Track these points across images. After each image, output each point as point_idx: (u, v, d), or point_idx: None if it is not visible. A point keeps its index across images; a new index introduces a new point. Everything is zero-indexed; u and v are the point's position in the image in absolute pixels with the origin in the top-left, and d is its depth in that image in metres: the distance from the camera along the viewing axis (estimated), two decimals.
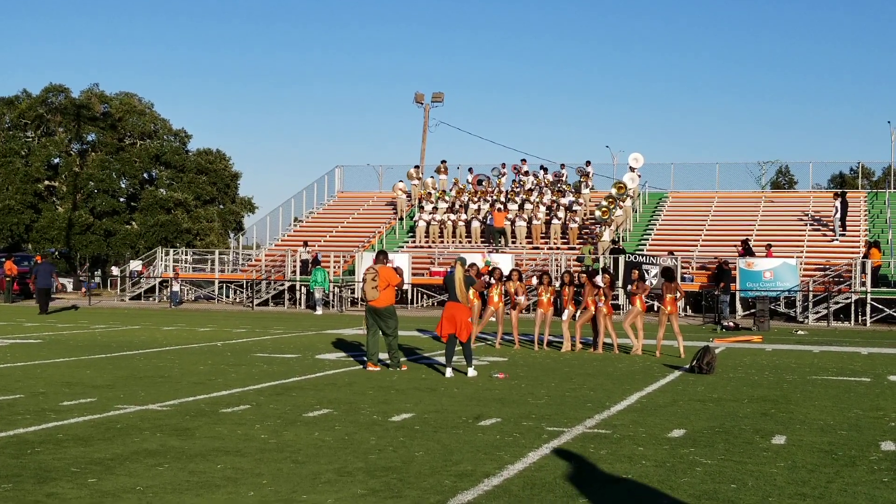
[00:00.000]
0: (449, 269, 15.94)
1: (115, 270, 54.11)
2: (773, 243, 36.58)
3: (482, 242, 41.83)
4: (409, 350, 18.89)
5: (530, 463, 8.14)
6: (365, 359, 15.86)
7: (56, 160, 64.63)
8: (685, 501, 6.89)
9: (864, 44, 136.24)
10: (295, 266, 40.61)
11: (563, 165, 46.95)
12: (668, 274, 19.10)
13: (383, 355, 16.20)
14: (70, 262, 61.19)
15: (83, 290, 49.78)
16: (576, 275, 20.57)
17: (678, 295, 18.78)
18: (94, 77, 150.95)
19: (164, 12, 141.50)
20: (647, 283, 28.80)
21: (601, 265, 32.84)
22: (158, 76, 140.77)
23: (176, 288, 41.19)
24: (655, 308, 30.18)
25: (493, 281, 20.52)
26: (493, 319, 20.94)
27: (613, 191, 40.33)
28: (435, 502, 6.76)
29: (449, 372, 14.64)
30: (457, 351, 15.16)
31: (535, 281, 23.67)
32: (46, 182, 63.99)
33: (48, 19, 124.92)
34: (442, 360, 15.31)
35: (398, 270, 16.66)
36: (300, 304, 39.94)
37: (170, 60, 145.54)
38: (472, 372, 14.67)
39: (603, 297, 19.29)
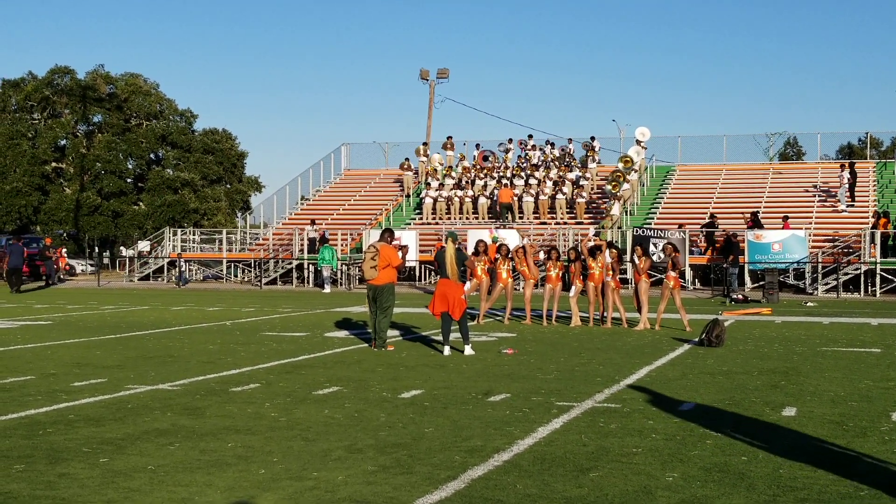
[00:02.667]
0: (442, 247, 15.47)
1: (125, 251, 54.20)
2: (783, 215, 36.48)
3: (489, 218, 41.79)
4: (406, 328, 18.87)
5: (540, 438, 8.14)
6: (370, 338, 15.67)
7: (63, 142, 64.71)
8: (695, 474, 6.89)
9: (872, 13, 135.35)
10: (302, 244, 40.63)
11: (569, 140, 46.87)
12: (642, 244, 18.99)
13: (390, 331, 16.13)
14: (79, 243, 61.32)
15: (89, 270, 49.99)
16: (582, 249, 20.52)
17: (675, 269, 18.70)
18: (100, 58, 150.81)
19: None
20: (655, 257, 28.74)
21: (608, 239, 32.76)
22: (163, 56, 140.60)
23: (182, 268, 41.29)
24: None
25: (493, 256, 20.48)
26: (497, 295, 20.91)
27: (620, 165, 40.22)
28: (445, 478, 6.77)
29: (447, 350, 14.41)
30: (454, 329, 15.00)
31: (542, 256, 23.67)
32: (53, 164, 64.09)
33: (53, 1, 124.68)
34: (440, 337, 15.17)
35: (404, 249, 16.44)
36: (308, 282, 40.00)
37: (175, 41, 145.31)
38: (469, 350, 14.35)
39: (611, 272, 19.26)
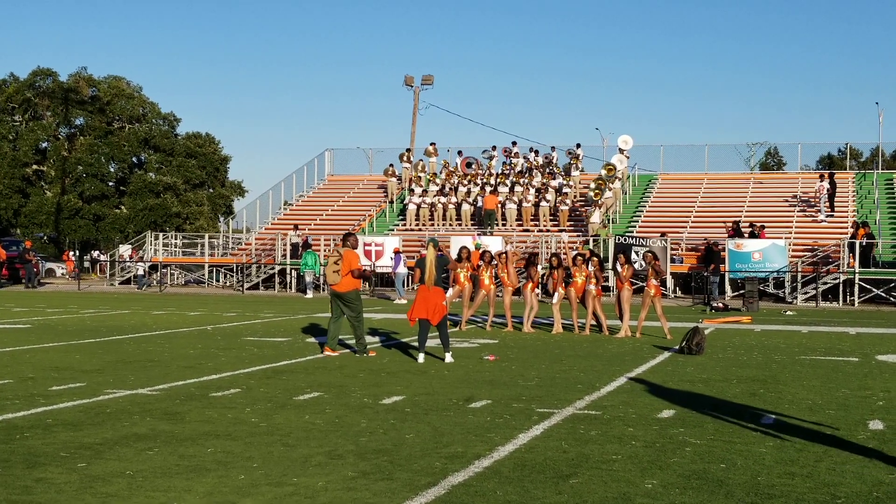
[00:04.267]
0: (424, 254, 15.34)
1: (98, 255, 54.14)
2: (762, 224, 36.66)
3: (472, 225, 41.82)
4: (389, 334, 18.86)
5: (521, 444, 8.15)
6: (332, 346, 15.23)
7: (44, 144, 64.38)
8: (674, 481, 6.91)
9: (852, 25, 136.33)
10: (285, 249, 40.55)
11: (553, 148, 46.97)
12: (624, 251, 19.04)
13: (370, 337, 16.11)
14: (59, 246, 61.00)
15: (68, 273, 49.72)
16: (563, 257, 20.55)
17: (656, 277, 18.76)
18: (82, 60, 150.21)
19: None
20: (637, 265, 28.83)
21: (590, 248, 32.82)
22: (147, 60, 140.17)
23: (141, 272, 41.15)
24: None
25: (476, 262, 20.49)
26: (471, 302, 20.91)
27: (603, 172, 40.32)
28: (425, 484, 6.77)
29: (421, 357, 14.24)
30: (431, 336, 14.88)
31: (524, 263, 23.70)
32: (34, 166, 63.74)
33: (34, 3, 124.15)
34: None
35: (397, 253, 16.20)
36: (290, 287, 39.92)
37: (158, 44, 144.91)
38: (449, 357, 14.21)
39: (594, 280, 19.31)
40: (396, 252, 34.69)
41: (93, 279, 49.66)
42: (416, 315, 14.50)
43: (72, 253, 48.36)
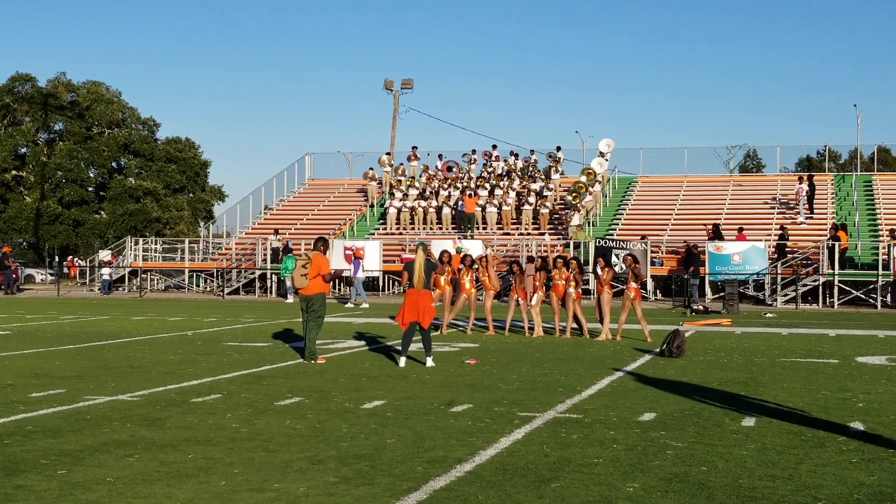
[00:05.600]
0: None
1: (76, 261, 54.00)
2: (741, 227, 36.85)
3: (453, 229, 41.84)
4: (370, 339, 18.84)
5: (502, 448, 8.16)
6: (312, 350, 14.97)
7: (23, 150, 64.02)
8: (656, 485, 6.93)
9: (831, 27, 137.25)
10: (266, 254, 40.45)
11: (533, 151, 47.10)
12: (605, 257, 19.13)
13: (354, 341, 16.09)
14: (38, 252, 60.65)
15: (49, 279, 49.45)
16: (549, 260, 20.60)
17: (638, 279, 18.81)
18: (61, 66, 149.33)
19: (132, 1, 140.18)
20: (617, 268, 28.92)
21: (571, 254, 32.93)
22: (126, 65, 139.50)
23: (106, 275, 40.96)
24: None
25: (457, 266, 20.49)
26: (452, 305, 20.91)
27: (582, 178, 40.40)
28: (407, 489, 6.77)
29: (402, 361, 14.25)
30: (415, 340, 14.87)
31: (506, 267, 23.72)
32: (13, 172, 63.37)
33: (13, 8, 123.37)
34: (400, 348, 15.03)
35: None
36: (271, 292, 39.83)
37: (137, 49, 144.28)
38: (430, 362, 14.23)
39: (573, 283, 19.34)
40: (358, 256, 34.42)
41: (69, 285, 49.38)
42: (407, 319, 14.50)
43: (76, 259, 48.28)
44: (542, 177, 44.76)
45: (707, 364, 14.67)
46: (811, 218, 39.74)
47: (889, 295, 32.75)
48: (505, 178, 44.02)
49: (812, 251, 35.12)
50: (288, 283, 35.87)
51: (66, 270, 42.09)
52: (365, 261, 35.25)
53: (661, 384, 12.30)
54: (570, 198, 39.74)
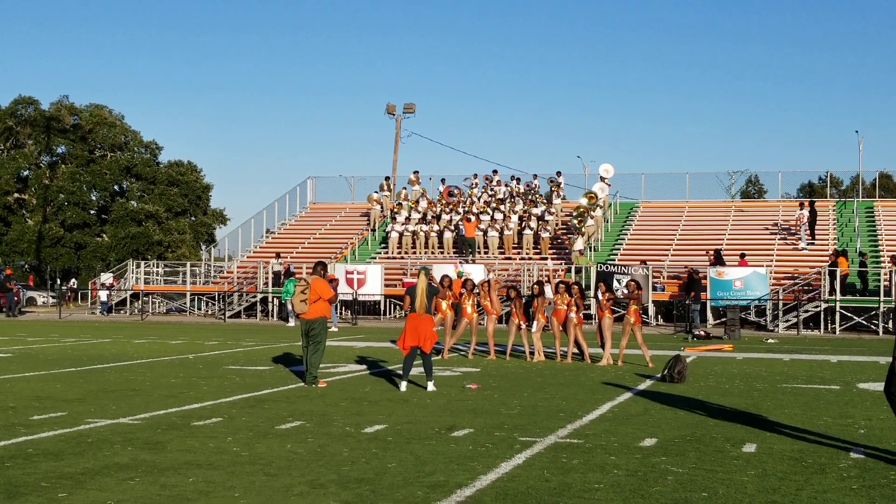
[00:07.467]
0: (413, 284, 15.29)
1: (74, 284, 54.19)
2: (743, 252, 36.87)
3: (454, 253, 41.88)
4: (371, 363, 18.83)
5: (503, 473, 8.16)
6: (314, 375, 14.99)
7: (25, 172, 64.15)
8: None
9: (833, 53, 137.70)
10: (267, 278, 40.47)
11: (534, 176, 47.21)
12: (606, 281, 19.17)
13: (355, 365, 16.08)
14: (41, 275, 60.67)
15: (51, 301, 49.43)
16: (545, 286, 20.62)
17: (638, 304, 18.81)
18: (64, 89, 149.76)
19: (134, 24, 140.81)
20: (619, 293, 28.93)
21: (573, 279, 32.95)
22: (129, 88, 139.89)
23: (104, 297, 41.04)
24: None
25: (458, 291, 20.50)
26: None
27: (584, 201, 40.46)
28: None
29: (403, 386, 14.28)
30: (416, 364, 14.87)
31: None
32: (16, 195, 63.48)
33: (16, 31, 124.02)
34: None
35: (335, 282, 16.14)
36: (272, 315, 39.81)
37: (140, 72, 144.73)
38: (431, 386, 14.25)
39: (574, 308, 19.35)
40: (332, 279, 34.27)
41: (71, 308, 49.40)
42: (408, 343, 14.51)
43: (73, 282, 48.54)
44: (544, 201, 44.85)
45: (708, 390, 14.66)
46: (812, 244, 39.75)
47: (891, 321, 32.70)
48: (506, 203, 44.11)
49: (814, 277, 35.11)
50: (289, 307, 35.89)
51: (67, 294, 42.39)
52: (366, 286, 35.19)
53: (663, 409, 12.29)
54: (575, 222, 39.79)
